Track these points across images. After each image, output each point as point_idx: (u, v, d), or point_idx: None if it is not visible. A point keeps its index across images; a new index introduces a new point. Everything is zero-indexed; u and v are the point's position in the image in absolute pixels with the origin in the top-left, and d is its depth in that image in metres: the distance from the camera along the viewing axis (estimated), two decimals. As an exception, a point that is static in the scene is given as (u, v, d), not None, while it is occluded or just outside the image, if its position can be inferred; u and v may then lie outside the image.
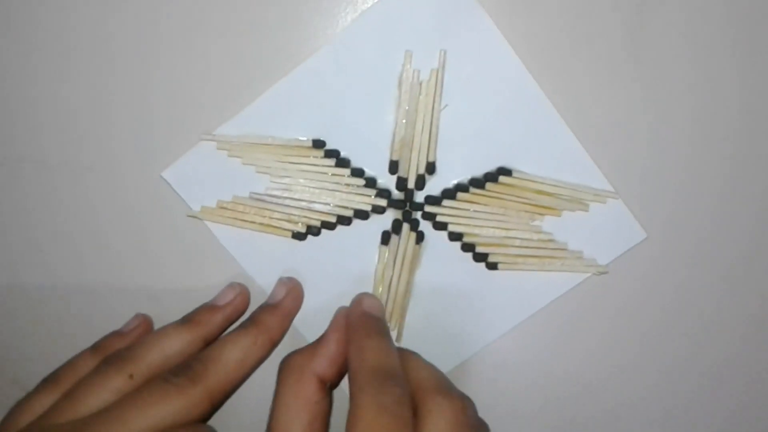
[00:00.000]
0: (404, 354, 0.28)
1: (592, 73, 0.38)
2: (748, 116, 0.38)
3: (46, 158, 0.39)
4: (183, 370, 0.29)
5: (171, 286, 0.40)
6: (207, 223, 0.39)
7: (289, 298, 0.34)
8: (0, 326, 0.41)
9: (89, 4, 0.37)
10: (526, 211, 0.39)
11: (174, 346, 0.31)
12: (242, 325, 0.32)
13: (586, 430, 0.41)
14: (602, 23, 0.37)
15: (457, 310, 0.40)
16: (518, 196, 0.39)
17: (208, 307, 0.34)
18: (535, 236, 0.39)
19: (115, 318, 0.39)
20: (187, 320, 0.33)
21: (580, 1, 0.37)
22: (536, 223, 0.39)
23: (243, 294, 0.34)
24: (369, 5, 0.37)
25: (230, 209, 0.39)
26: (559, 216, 0.39)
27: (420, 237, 0.39)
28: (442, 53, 0.37)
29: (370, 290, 0.40)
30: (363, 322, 0.30)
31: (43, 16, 0.37)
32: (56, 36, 0.37)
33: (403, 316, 0.40)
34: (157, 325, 0.40)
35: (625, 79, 0.38)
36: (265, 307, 0.33)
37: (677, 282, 0.40)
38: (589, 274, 0.40)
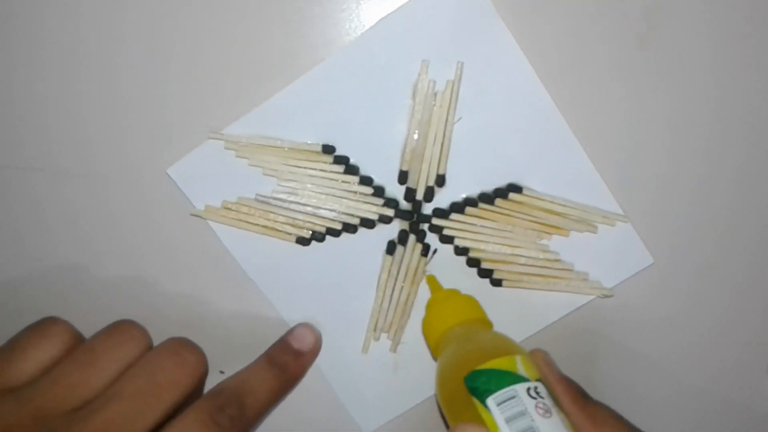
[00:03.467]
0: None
1: (608, 94, 0.37)
2: (761, 148, 0.38)
3: (56, 159, 0.38)
4: (230, 417, 0.32)
5: (169, 285, 0.40)
6: (210, 223, 0.38)
7: (316, 347, 0.39)
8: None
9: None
10: (534, 230, 0.38)
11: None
12: (273, 368, 0.36)
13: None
14: (622, 46, 0.37)
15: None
16: (527, 214, 0.38)
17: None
18: (541, 255, 0.39)
19: (108, 313, 0.39)
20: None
21: (600, 22, 0.36)
22: (543, 242, 0.39)
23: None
24: (387, 12, 0.36)
25: (235, 210, 0.38)
26: (567, 236, 0.38)
27: (426, 249, 0.39)
28: (460, 65, 0.36)
29: (371, 300, 0.39)
30: None
31: (51, 13, 0.36)
32: (65, 33, 0.37)
33: (402, 327, 0.40)
34: (150, 326, 0.40)
35: (642, 103, 0.37)
36: (295, 355, 0.38)
37: (681, 309, 0.40)
38: (593, 297, 0.39)
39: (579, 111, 0.37)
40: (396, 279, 0.39)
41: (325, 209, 0.38)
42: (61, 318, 0.34)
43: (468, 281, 0.39)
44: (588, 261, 0.39)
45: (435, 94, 0.37)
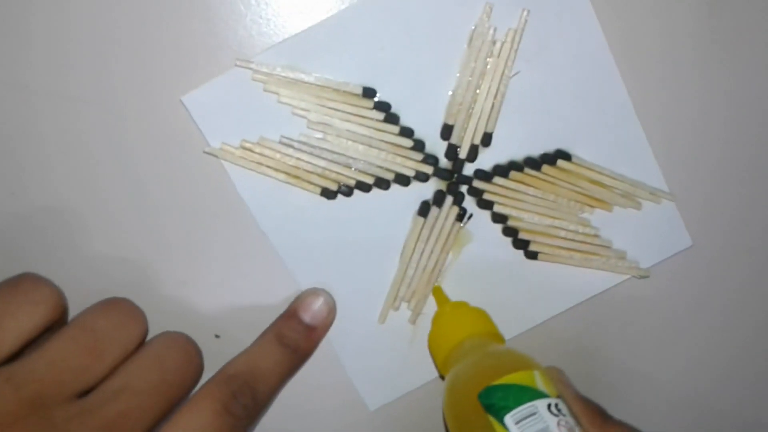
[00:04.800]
0: None
1: (675, 68, 0.35)
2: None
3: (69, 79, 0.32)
4: (243, 406, 0.30)
5: (171, 230, 0.34)
6: (224, 164, 0.33)
7: (329, 319, 0.35)
8: None
9: None
10: (577, 201, 0.36)
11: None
12: (284, 348, 0.33)
13: None
14: (696, 21, 0.35)
15: (489, 296, 0.36)
16: (573, 184, 0.35)
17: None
18: (581, 229, 0.36)
19: (105, 253, 0.33)
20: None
21: None
22: (585, 215, 0.36)
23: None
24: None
25: (255, 152, 0.33)
26: (610, 211, 0.36)
27: (461, 214, 0.35)
28: (525, 13, 0.33)
29: (395, 265, 0.36)
30: None
31: None
32: None
33: (425, 296, 0.36)
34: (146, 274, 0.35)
35: (706, 81, 0.36)
36: (304, 329, 0.34)
37: (717, 294, 0.39)
38: (627, 276, 0.37)
39: (641, 82, 0.35)
40: (426, 243, 0.35)
41: (358, 159, 0.34)
42: (39, 275, 0.29)
43: (502, 251, 0.36)
44: (625, 238, 0.37)
45: (494, 43, 0.33)
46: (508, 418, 0.27)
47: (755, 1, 0.35)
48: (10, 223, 0.33)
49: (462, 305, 0.35)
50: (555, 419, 0.27)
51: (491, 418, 0.28)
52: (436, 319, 0.35)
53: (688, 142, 0.36)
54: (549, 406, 0.28)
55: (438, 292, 0.36)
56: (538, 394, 0.28)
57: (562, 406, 0.28)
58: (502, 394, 0.28)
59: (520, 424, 0.27)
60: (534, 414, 0.27)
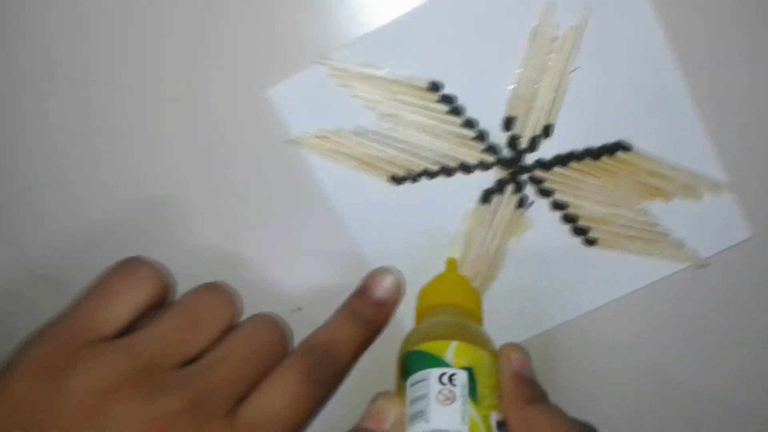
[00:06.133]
0: None
1: (730, 60, 0.36)
2: None
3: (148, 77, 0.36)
4: (323, 373, 0.32)
5: (254, 213, 0.38)
6: (303, 152, 0.37)
7: (398, 294, 0.36)
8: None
9: None
10: (636, 191, 0.37)
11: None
12: (358, 322, 0.35)
13: (659, 421, 0.40)
14: (751, 13, 0.35)
15: (547, 279, 0.38)
16: (632, 174, 0.37)
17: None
18: (641, 218, 0.37)
19: (194, 241, 0.37)
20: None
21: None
22: (644, 205, 0.38)
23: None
24: (516, -53, 0.35)
25: (331, 140, 0.37)
26: (669, 201, 0.37)
27: (521, 201, 0.38)
28: (587, 11, 0.35)
29: (460, 247, 0.38)
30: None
31: None
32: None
33: (490, 278, 0.38)
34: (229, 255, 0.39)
35: (763, 72, 0.36)
36: (375, 305, 0.35)
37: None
38: (685, 265, 0.38)
39: (699, 75, 0.36)
40: (488, 229, 0.38)
41: (424, 149, 0.37)
42: (147, 257, 0.33)
43: (561, 238, 0.38)
44: (684, 229, 0.38)
45: (555, 39, 0.35)
46: (408, 381, 0.30)
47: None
48: (117, 215, 0.38)
49: (463, 279, 0.37)
50: (438, 387, 0.29)
51: (401, 380, 0.31)
52: (436, 277, 0.37)
53: (747, 132, 0.37)
54: (441, 375, 0.30)
55: (451, 263, 0.37)
56: (438, 363, 0.30)
57: (460, 377, 0.30)
58: (413, 360, 0.31)
59: (413, 387, 0.30)
60: (424, 380, 0.30)
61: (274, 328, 0.34)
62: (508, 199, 0.38)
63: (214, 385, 0.31)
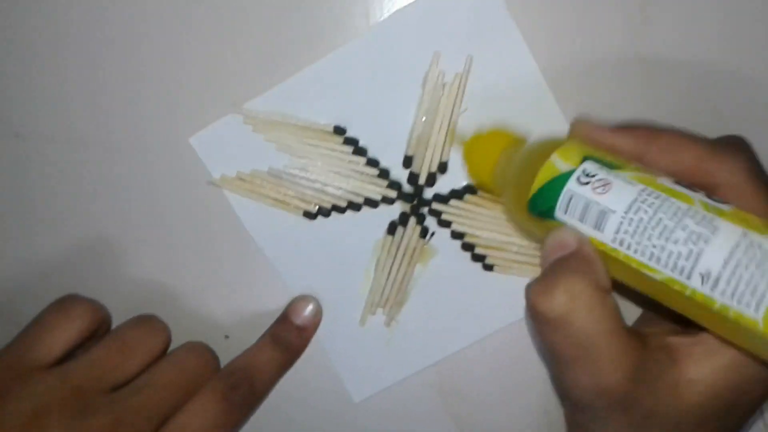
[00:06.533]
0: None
1: (612, 98, 0.39)
2: None
3: (74, 128, 0.41)
4: (241, 396, 0.37)
5: (182, 250, 0.42)
6: (225, 192, 0.41)
7: (316, 320, 0.41)
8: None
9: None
10: (528, 220, 0.41)
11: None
12: (278, 346, 0.40)
13: None
14: (629, 49, 0.39)
15: (453, 303, 0.41)
16: (522, 205, 0.40)
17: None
18: (532, 244, 0.41)
19: (125, 275, 0.41)
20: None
21: (605, 22, 0.38)
22: (536, 232, 0.41)
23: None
24: (405, 3, 0.39)
25: (248, 181, 0.41)
26: (559, 228, 0.41)
27: (424, 231, 0.41)
28: (469, 59, 0.39)
29: (371, 275, 0.42)
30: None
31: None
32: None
33: (399, 303, 0.42)
34: (163, 287, 0.42)
35: (646, 105, 0.39)
36: (296, 330, 0.40)
37: None
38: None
39: (580, 112, 0.39)
40: (395, 258, 0.41)
41: (333, 186, 0.41)
42: (81, 295, 0.37)
43: (463, 264, 0.41)
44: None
45: (444, 85, 0.39)
46: (558, 213, 0.30)
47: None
48: (62, 253, 0.42)
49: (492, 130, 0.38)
50: (587, 188, 0.29)
51: (550, 221, 0.31)
52: (474, 141, 0.39)
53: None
54: (579, 179, 0.29)
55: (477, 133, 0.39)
56: (564, 178, 0.30)
57: (589, 167, 0.30)
58: (541, 200, 0.31)
59: (568, 212, 0.30)
60: (572, 197, 0.29)
61: (201, 354, 0.38)
62: (411, 230, 0.41)
63: (137, 407, 0.35)
